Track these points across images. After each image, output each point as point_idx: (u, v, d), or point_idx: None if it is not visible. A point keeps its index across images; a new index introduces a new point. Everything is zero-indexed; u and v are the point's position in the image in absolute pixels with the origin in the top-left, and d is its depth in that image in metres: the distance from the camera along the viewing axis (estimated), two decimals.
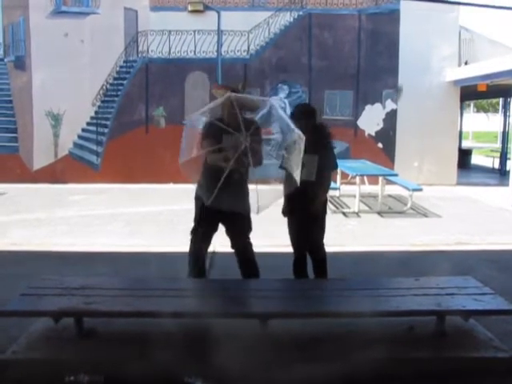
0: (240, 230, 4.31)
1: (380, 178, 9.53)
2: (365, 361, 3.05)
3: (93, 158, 12.51)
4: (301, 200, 4.22)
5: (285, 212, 4.40)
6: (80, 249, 6.37)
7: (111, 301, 3.52)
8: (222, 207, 3.99)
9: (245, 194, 4.21)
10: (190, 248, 4.35)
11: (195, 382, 3.04)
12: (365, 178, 10.22)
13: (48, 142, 12.38)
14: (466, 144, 22.36)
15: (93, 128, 12.46)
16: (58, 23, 12.10)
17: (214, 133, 4.09)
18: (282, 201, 4.40)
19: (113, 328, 3.52)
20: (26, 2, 12.15)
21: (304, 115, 4.31)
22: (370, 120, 12.62)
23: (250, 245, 4.38)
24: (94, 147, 12.48)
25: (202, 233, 4.28)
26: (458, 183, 12.59)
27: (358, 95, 12.58)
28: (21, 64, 12.40)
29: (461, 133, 17.57)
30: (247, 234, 4.35)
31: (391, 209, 9.34)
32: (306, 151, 4.18)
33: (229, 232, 4.35)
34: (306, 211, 4.19)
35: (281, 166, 4.36)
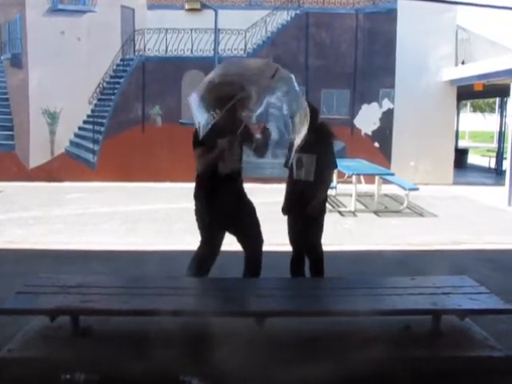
0: (251, 227, 4.12)
1: (376, 178, 9.55)
2: (361, 360, 3.05)
3: (89, 157, 12.50)
4: (300, 199, 4.22)
5: (284, 210, 4.40)
6: (76, 247, 6.37)
7: (107, 299, 3.51)
8: (230, 221, 3.90)
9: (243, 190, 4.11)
10: (197, 254, 4.15)
11: (192, 381, 3.04)
12: (361, 177, 10.24)
13: (44, 140, 12.37)
14: (462, 143, 22.46)
15: (89, 126, 12.45)
16: (55, 21, 12.08)
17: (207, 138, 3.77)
18: (281, 199, 4.41)
19: (109, 326, 3.50)
20: (22, 0, 12.12)
21: None
22: (367, 119, 12.65)
23: (261, 242, 4.18)
24: (91, 145, 12.47)
25: (211, 245, 4.11)
26: (455, 183, 12.62)
27: (355, 94, 12.60)
28: (17, 62, 12.37)
29: (457, 132, 17.61)
30: (259, 228, 4.15)
31: (387, 208, 9.36)
32: (305, 151, 4.17)
33: (240, 235, 4.16)
34: (304, 210, 4.18)
35: (285, 165, 4.31)
